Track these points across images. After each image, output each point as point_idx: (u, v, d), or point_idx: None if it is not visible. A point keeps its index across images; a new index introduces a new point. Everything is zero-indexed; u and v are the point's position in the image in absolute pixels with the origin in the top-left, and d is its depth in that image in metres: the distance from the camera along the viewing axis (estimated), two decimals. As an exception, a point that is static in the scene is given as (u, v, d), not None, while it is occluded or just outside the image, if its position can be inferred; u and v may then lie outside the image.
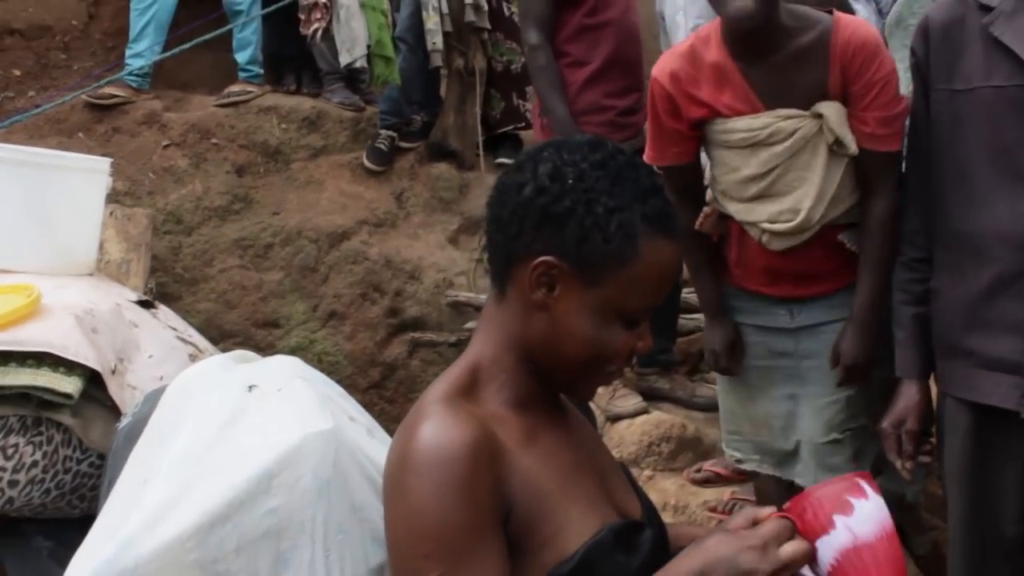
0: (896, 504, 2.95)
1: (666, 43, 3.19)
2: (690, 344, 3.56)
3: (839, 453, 2.23)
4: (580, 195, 1.06)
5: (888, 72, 2.04)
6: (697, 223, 2.25)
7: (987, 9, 1.80)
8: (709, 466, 3.00)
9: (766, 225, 2.13)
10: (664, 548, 1.18)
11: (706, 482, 2.97)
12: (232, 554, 1.35)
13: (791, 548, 0.97)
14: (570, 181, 1.06)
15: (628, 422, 3.14)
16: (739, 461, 2.44)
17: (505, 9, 4.50)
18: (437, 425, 1.03)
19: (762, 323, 2.27)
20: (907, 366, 2.04)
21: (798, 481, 2.31)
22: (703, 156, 2.27)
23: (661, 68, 2.15)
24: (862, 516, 1.00)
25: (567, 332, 1.08)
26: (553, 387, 1.15)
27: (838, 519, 0.99)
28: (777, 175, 2.10)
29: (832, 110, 2.05)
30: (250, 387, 1.60)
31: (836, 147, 2.07)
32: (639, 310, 1.08)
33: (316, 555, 1.41)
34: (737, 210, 2.19)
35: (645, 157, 2.23)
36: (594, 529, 1.06)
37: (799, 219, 2.09)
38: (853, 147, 2.05)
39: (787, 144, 2.07)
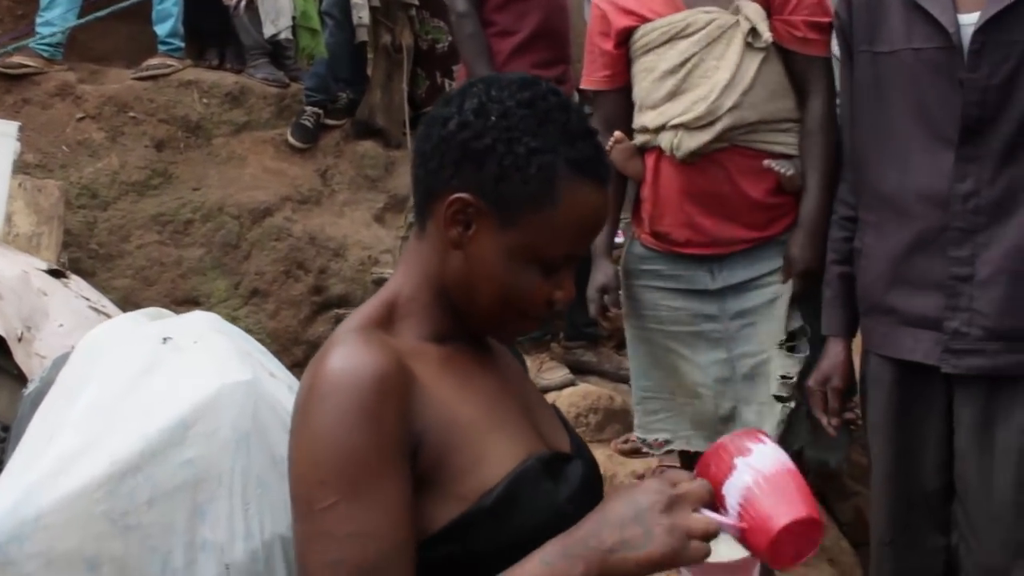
0: (820, 472, 3.01)
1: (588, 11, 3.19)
2: (617, 318, 3.56)
3: (775, 416, 2.19)
4: (502, 133, 1.02)
5: None
6: (606, 147, 2.23)
7: None
8: (636, 437, 3.00)
9: (677, 120, 2.13)
10: (596, 480, 1.16)
11: (633, 452, 2.97)
12: (144, 506, 1.29)
13: (688, 483, 0.95)
14: (493, 118, 1.02)
15: (555, 394, 3.14)
16: (665, 443, 2.38)
17: (432, -14, 4.45)
18: (347, 351, 0.99)
19: (683, 286, 2.26)
20: (833, 324, 2.07)
21: None
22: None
23: None
24: (761, 455, 0.99)
25: (480, 272, 1.05)
26: (470, 327, 1.11)
27: (738, 460, 0.99)
28: (692, 66, 2.13)
29: (750, 5, 2.11)
30: (164, 339, 1.53)
31: (752, 38, 2.10)
32: (557, 257, 1.05)
33: (235, 508, 1.35)
34: (651, 118, 2.18)
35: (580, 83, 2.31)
36: (519, 459, 1.03)
37: (709, 103, 2.09)
38: (767, 35, 2.09)
39: (703, 32, 2.11)
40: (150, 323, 1.66)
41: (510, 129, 1.02)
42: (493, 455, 1.02)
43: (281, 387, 1.55)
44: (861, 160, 1.96)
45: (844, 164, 2.04)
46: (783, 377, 2.18)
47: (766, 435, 1.03)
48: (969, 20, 1.75)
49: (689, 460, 2.41)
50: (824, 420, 2.06)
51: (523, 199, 1.02)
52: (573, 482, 1.07)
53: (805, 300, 2.16)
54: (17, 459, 1.46)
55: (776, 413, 2.19)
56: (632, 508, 0.92)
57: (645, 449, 2.47)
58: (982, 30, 1.73)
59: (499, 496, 0.99)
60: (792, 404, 2.18)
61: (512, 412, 1.10)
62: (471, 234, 1.04)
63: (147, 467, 1.30)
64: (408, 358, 1.03)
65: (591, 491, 1.11)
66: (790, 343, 2.19)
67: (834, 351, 2.05)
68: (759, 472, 0.97)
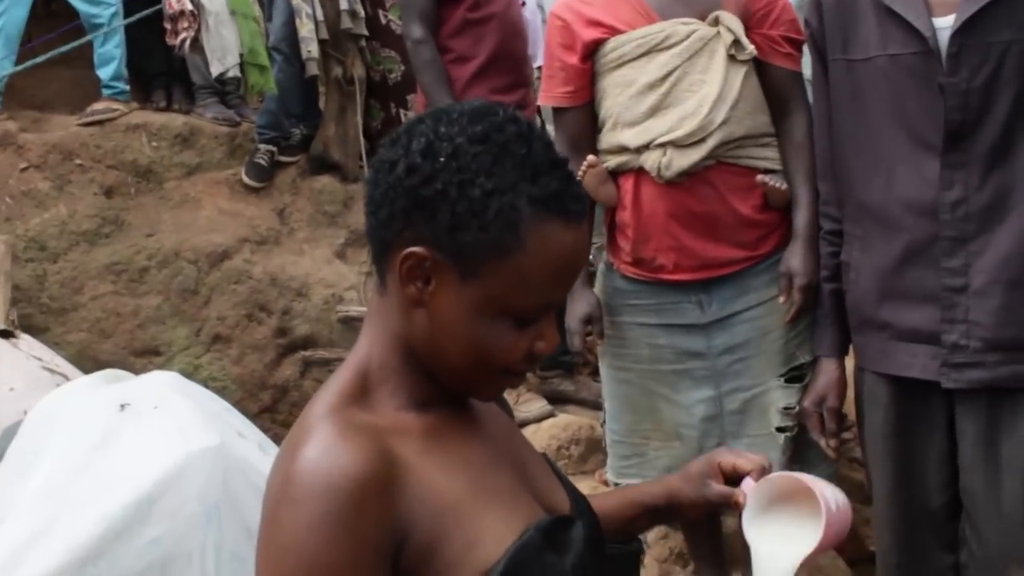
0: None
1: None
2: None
3: (775, 448, 2.11)
4: (453, 175, 0.90)
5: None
6: (579, 173, 2.12)
7: None
8: (607, 478, 2.91)
9: (664, 138, 2.03)
10: (598, 539, 1.07)
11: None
12: (108, 595, 1.18)
13: None
14: (442, 159, 0.91)
15: (535, 427, 3.06)
16: None
17: (382, 17, 4.38)
18: (320, 448, 0.88)
19: (668, 320, 2.15)
20: (825, 344, 2.02)
21: None
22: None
23: (556, 1, 2.14)
24: None
25: (445, 332, 0.94)
26: (448, 389, 1.00)
27: None
28: (675, 79, 2.04)
29: (730, 17, 2.04)
30: (122, 406, 1.43)
31: (735, 50, 2.03)
32: (530, 307, 0.94)
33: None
34: (632, 136, 2.08)
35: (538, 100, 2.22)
36: (517, 532, 0.93)
37: (699, 118, 2.01)
38: (751, 47, 2.03)
39: (684, 44, 2.03)
40: (107, 387, 1.55)
41: (462, 170, 0.90)
42: (488, 534, 0.92)
43: (251, 448, 1.45)
44: (843, 172, 1.90)
45: (823, 177, 1.98)
46: (785, 408, 2.10)
47: None
48: (944, 24, 1.71)
49: None
50: (823, 442, 2.00)
51: (483, 248, 0.91)
52: (577, 547, 0.99)
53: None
54: (-35, 548, 1.34)
55: (777, 445, 2.11)
56: None
57: (605, 489, 2.37)
58: (959, 33, 1.68)
59: (501, 573, 0.90)
60: (794, 433, 2.10)
61: (505, 480, 1.00)
62: (431, 290, 0.93)
63: (109, 551, 1.19)
64: (389, 437, 0.92)
65: (594, 552, 1.03)
66: (794, 373, 2.11)
67: (828, 370, 2.00)
68: None
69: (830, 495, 1.08)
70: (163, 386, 1.52)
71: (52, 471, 1.31)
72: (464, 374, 0.97)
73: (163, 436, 1.34)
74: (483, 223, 0.90)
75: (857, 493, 2.68)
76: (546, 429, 3.06)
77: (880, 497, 1.93)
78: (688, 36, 2.03)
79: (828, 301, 1.99)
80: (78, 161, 4.02)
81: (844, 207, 1.92)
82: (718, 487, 1.15)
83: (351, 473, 0.86)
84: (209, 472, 1.29)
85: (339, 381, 0.98)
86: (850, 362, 2.02)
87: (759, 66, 2.09)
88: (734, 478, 1.15)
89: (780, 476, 1.12)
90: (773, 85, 2.10)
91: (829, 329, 2.00)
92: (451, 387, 1.00)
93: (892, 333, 1.83)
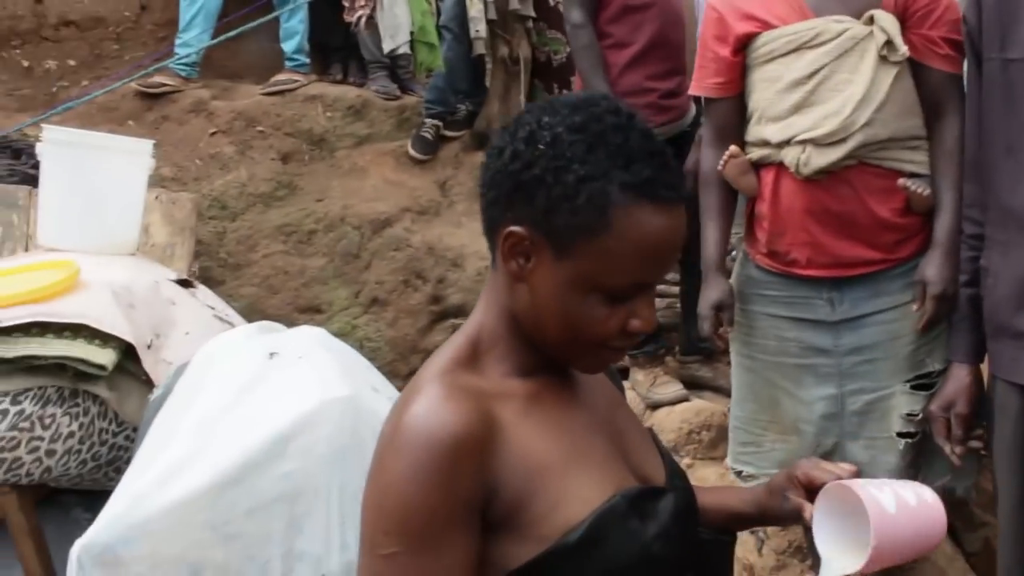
0: (947, 500, 2.85)
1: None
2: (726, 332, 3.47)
3: (894, 452, 2.09)
4: (550, 161, 0.98)
5: None
6: (720, 163, 2.17)
7: None
8: (727, 464, 2.92)
9: (805, 135, 2.02)
10: (689, 513, 1.12)
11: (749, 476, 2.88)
12: (243, 516, 1.33)
13: None
14: (542, 146, 0.99)
15: (668, 410, 3.08)
16: (749, 477, 2.28)
17: (550, -1, 4.46)
18: (427, 405, 0.98)
19: (799, 315, 2.15)
20: (958, 348, 1.98)
21: None
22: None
23: None
24: None
25: (543, 305, 1.02)
26: (552, 358, 1.08)
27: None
28: (822, 77, 2.01)
29: (885, 16, 1.98)
30: (271, 354, 1.59)
31: (887, 51, 1.98)
32: (620, 286, 1.00)
33: (331, 521, 1.39)
34: (774, 132, 2.08)
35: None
36: (605, 496, 1.00)
37: (841, 118, 1.98)
38: (904, 49, 1.97)
39: (834, 43, 2.00)
40: (260, 336, 1.72)
41: (558, 157, 0.98)
42: (576, 495, 0.99)
43: (382, 401, 1.58)
44: (989, 175, 1.85)
45: (968, 180, 1.93)
46: (908, 415, 2.07)
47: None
48: (1108, 23, 1.63)
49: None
50: (947, 448, 1.96)
51: (574, 229, 0.98)
52: (663, 519, 1.04)
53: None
54: (134, 465, 1.54)
55: (895, 450, 2.08)
56: None
57: (733, 478, 2.38)
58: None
59: (583, 535, 0.97)
60: (916, 439, 2.07)
61: (599, 447, 1.07)
62: (530, 267, 1.01)
63: (247, 479, 1.34)
64: (492, 400, 1.01)
65: (682, 526, 1.07)
66: (922, 381, 2.07)
67: (959, 375, 1.95)
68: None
69: (888, 500, 1.06)
70: (309, 339, 1.68)
71: (207, 406, 1.48)
72: (562, 345, 1.04)
73: (303, 383, 1.49)
74: (575, 207, 0.98)
75: (992, 506, 2.59)
76: (679, 413, 3.08)
77: (1005, 512, 1.88)
78: (839, 35, 2.00)
79: (965, 306, 1.94)
80: (259, 128, 4.32)
81: (987, 211, 1.86)
82: (794, 500, 1.17)
83: (451, 430, 0.95)
84: (339, 419, 1.42)
85: (452, 346, 1.08)
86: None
87: (915, 67, 2.02)
88: (816, 489, 1.15)
89: (838, 486, 1.11)
90: (928, 87, 2.03)
91: (964, 334, 1.95)
92: (552, 357, 1.07)
93: (1027, 342, 1.78)
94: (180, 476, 1.33)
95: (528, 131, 1.01)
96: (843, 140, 2.00)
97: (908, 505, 1.08)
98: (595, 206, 0.97)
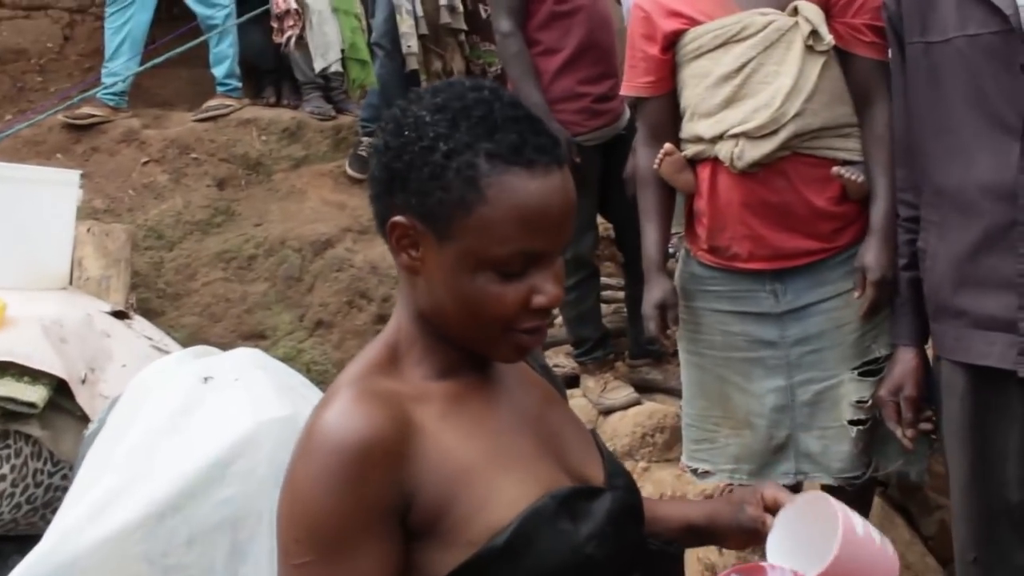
0: (901, 484, 2.87)
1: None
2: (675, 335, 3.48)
3: (846, 440, 2.09)
4: (415, 144, 0.97)
5: None
6: (655, 162, 2.17)
7: None
8: (682, 462, 2.91)
9: (737, 129, 2.02)
10: (629, 514, 1.09)
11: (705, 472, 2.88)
12: (183, 546, 1.28)
13: None
14: (407, 132, 0.98)
15: (620, 414, 3.07)
16: (704, 474, 2.28)
17: (481, 11, 4.46)
18: (338, 411, 0.95)
19: (743, 308, 2.15)
20: (902, 331, 1.98)
21: (781, 483, 2.18)
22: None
23: None
24: None
25: (440, 293, 1.00)
26: (470, 352, 1.05)
27: None
28: (750, 71, 2.02)
29: (809, 6, 1.99)
30: (206, 378, 1.54)
31: (813, 41, 1.99)
32: (507, 257, 0.97)
33: (275, 546, 1.34)
34: (707, 127, 2.08)
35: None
36: (532, 497, 0.97)
37: (772, 110, 1.99)
38: (829, 38, 1.98)
39: (760, 35, 2.00)
40: (194, 361, 1.67)
41: (422, 138, 0.97)
42: (501, 497, 0.97)
43: (325, 420, 1.54)
44: (920, 157, 1.86)
45: (900, 163, 1.94)
46: (858, 402, 2.07)
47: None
48: (1027, 1, 1.66)
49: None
50: (899, 432, 1.96)
51: (449, 207, 0.96)
52: (597, 519, 1.01)
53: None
54: (66, 501, 1.47)
55: (847, 438, 2.08)
56: None
57: (689, 476, 2.37)
58: (1042, 10, 1.63)
59: (509, 537, 0.94)
60: (867, 426, 2.07)
61: (527, 447, 1.04)
62: (420, 256, 1.00)
63: (186, 507, 1.29)
64: (411, 403, 0.99)
65: (619, 526, 1.04)
66: (869, 367, 2.07)
67: (905, 358, 1.96)
68: None
69: (859, 523, 1.04)
70: (244, 361, 1.63)
71: (140, 435, 1.43)
72: (470, 334, 1.02)
73: (239, 405, 1.44)
74: (445, 184, 0.96)
75: (947, 489, 2.61)
76: (631, 417, 3.07)
77: (956, 490, 1.88)
78: (765, 27, 2.00)
79: (905, 289, 1.95)
80: (193, 155, 4.25)
81: (921, 193, 1.88)
82: (751, 511, 1.15)
83: (360, 435, 0.92)
84: (279, 439, 1.38)
85: (370, 352, 1.06)
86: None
87: (842, 56, 2.04)
88: (777, 511, 1.13)
89: (813, 496, 1.08)
90: (855, 75, 2.04)
91: (906, 317, 1.96)
92: (467, 348, 1.05)
93: (969, 321, 1.78)
94: (112, 508, 1.28)
95: (395, 122, 1.01)
96: (775, 132, 2.00)
97: (872, 539, 1.05)
98: (464, 179, 0.96)
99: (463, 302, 0.99)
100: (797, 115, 2.00)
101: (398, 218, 0.99)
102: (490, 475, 0.98)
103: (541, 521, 0.96)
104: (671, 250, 2.65)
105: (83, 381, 2.36)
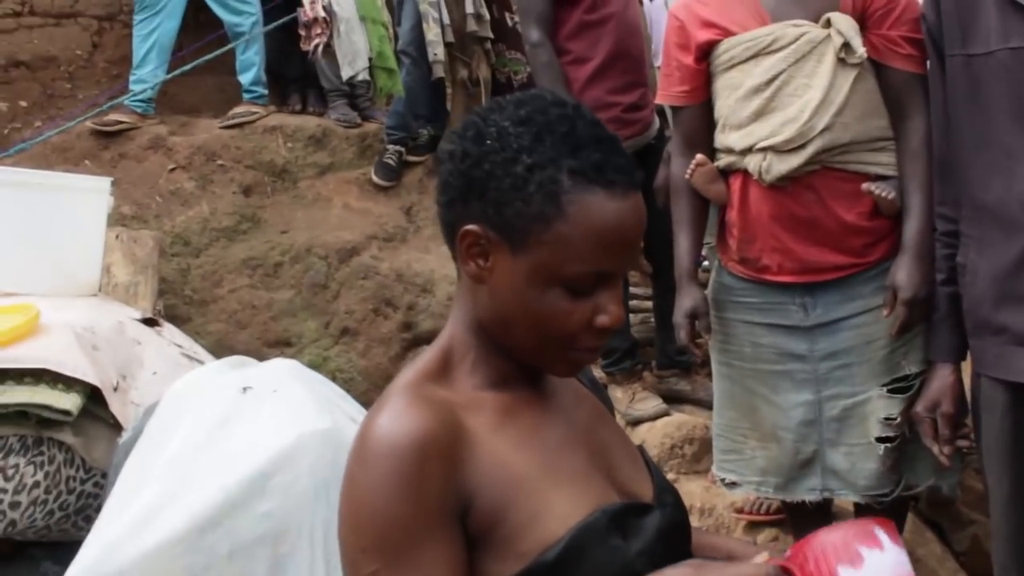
0: (933, 499, 2.84)
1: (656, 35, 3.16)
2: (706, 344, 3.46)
3: (873, 458, 2.07)
4: (498, 155, 0.97)
5: None
6: (687, 172, 2.16)
7: None
8: (712, 472, 2.89)
9: (765, 143, 2.01)
10: (677, 531, 1.08)
11: (733, 483, 2.86)
12: (225, 560, 1.28)
13: None
14: (488, 142, 0.98)
15: (649, 425, 3.06)
16: (732, 484, 2.27)
17: (508, 20, 4.45)
18: (392, 415, 0.95)
19: (773, 321, 2.13)
20: (940, 348, 1.96)
21: (808, 499, 2.16)
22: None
23: (676, 1, 2.15)
24: (873, 570, 0.83)
25: (505, 304, 1.00)
26: (525, 366, 1.05)
27: (844, 572, 0.83)
28: (780, 83, 2.01)
29: (842, 18, 1.98)
30: (244, 389, 1.54)
31: (845, 53, 1.97)
32: (580, 275, 0.97)
33: (316, 559, 1.34)
34: (737, 139, 2.07)
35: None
36: (584, 512, 0.97)
37: (799, 124, 1.97)
38: (861, 50, 1.97)
39: (792, 48, 1.99)
40: (232, 371, 1.67)
41: (505, 149, 0.97)
42: (554, 510, 0.96)
43: (361, 432, 1.54)
44: (961, 171, 1.84)
45: (939, 178, 1.92)
46: (886, 419, 2.05)
47: (888, 531, 0.87)
48: (1071, 14, 1.64)
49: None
50: (935, 449, 1.94)
51: (527, 220, 0.96)
52: (647, 536, 1.00)
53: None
54: (105, 511, 1.47)
55: (875, 456, 2.06)
56: None
57: (718, 487, 2.35)
58: (1086, 24, 1.61)
59: (561, 552, 0.94)
60: (895, 443, 2.05)
61: (579, 462, 1.03)
62: (489, 266, 0.99)
63: (227, 520, 1.29)
64: (463, 411, 0.98)
65: (668, 543, 1.03)
66: (899, 384, 2.05)
67: (942, 375, 1.94)
68: None
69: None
70: (282, 372, 1.62)
71: (180, 447, 1.42)
72: (530, 348, 1.02)
73: (279, 418, 1.43)
74: (526, 196, 0.96)
75: (979, 503, 2.58)
76: (660, 428, 3.06)
77: (996, 509, 1.86)
78: (797, 39, 1.99)
79: (944, 304, 1.93)
80: (220, 162, 4.26)
81: (960, 208, 1.86)
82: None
83: (414, 435, 0.92)
84: (320, 452, 1.37)
85: (422, 360, 1.05)
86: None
87: (877, 68, 2.02)
88: None
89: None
90: (891, 88, 2.02)
91: (944, 333, 1.94)
92: (524, 363, 1.04)
93: (1009, 337, 1.76)
94: (155, 521, 1.27)
95: (476, 130, 1.00)
96: (802, 146, 1.99)
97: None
98: (546, 193, 0.96)
99: (530, 315, 0.99)
100: (826, 129, 1.98)
101: (471, 226, 0.98)
102: (543, 488, 0.97)
103: (593, 536, 0.95)
104: (704, 262, 2.64)
105: (115, 388, 2.36)
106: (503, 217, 0.97)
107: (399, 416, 0.95)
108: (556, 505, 0.97)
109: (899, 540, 0.89)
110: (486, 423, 0.99)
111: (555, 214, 0.96)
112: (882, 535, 0.86)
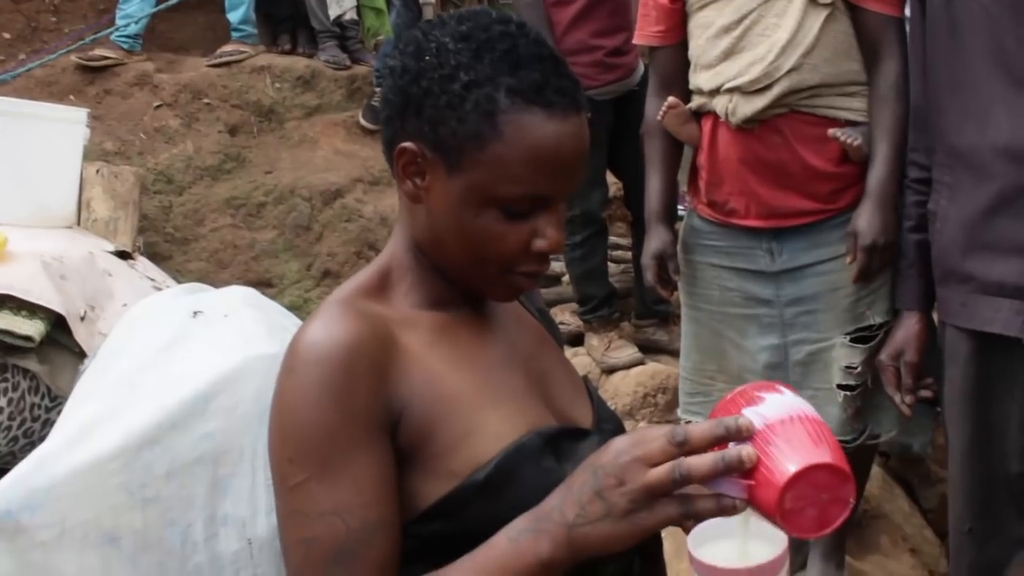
0: (904, 456, 2.84)
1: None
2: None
3: (834, 404, 2.06)
4: (435, 71, 0.94)
5: None
6: (659, 113, 2.14)
7: None
8: (678, 415, 2.89)
9: (732, 83, 1.98)
10: None
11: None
12: (162, 478, 1.26)
13: (652, 437, 0.82)
14: (427, 58, 0.94)
15: (623, 374, 3.05)
16: None
17: (501, -38, 4.39)
18: (322, 325, 0.93)
19: (740, 265, 2.12)
20: (906, 296, 1.94)
21: None
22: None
23: None
24: (774, 404, 0.84)
25: (440, 224, 0.97)
26: (462, 287, 1.03)
27: (747, 410, 0.83)
28: (750, 23, 1.97)
29: None
30: (195, 313, 1.51)
31: None
32: (515, 197, 0.94)
33: (257, 483, 1.32)
34: (706, 80, 2.04)
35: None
36: (518, 433, 0.95)
37: (766, 64, 1.94)
38: None
39: None
40: (186, 296, 1.65)
41: (443, 66, 0.94)
42: (487, 429, 0.94)
43: (314, 361, 1.52)
44: (935, 115, 1.81)
45: (913, 124, 1.88)
46: (847, 367, 2.03)
47: (787, 387, 0.88)
48: (1054, -45, 1.60)
49: None
50: (897, 398, 1.92)
51: (463, 139, 0.93)
52: (582, 460, 0.99)
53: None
54: (52, 432, 1.46)
55: (837, 403, 2.05)
56: (591, 476, 0.83)
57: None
58: (1068, -35, 1.57)
59: (492, 472, 0.92)
60: (856, 392, 2.04)
61: (515, 384, 1.02)
62: (425, 185, 0.97)
63: (165, 439, 1.27)
64: (397, 327, 0.97)
65: None
66: (862, 334, 2.03)
67: (908, 323, 1.91)
68: (767, 419, 0.82)
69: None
70: (236, 298, 1.59)
71: (125, 367, 1.41)
72: (466, 269, 1.00)
73: (227, 341, 1.41)
74: (462, 115, 0.93)
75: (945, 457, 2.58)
76: (634, 376, 3.05)
77: (955, 459, 1.84)
78: None
79: (912, 252, 1.90)
80: (206, 100, 4.22)
81: (933, 155, 1.83)
82: None
83: (341, 343, 0.90)
84: (266, 376, 1.33)
85: (359, 277, 1.03)
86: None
87: (852, 10, 1.97)
88: None
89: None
90: (865, 30, 1.97)
91: (912, 281, 1.91)
92: (461, 285, 1.03)
93: (976, 286, 1.74)
94: (91, 437, 1.26)
95: (416, 45, 0.97)
96: (768, 87, 1.96)
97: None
98: (482, 112, 0.93)
99: (464, 237, 0.97)
100: (793, 70, 1.94)
101: (407, 144, 0.96)
102: (476, 407, 0.95)
103: (525, 457, 0.94)
104: (680, 208, 2.61)
105: (82, 318, 2.35)
106: (439, 135, 0.94)
107: (329, 326, 0.93)
108: (489, 424, 0.95)
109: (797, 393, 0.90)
110: (421, 340, 0.98)
111: (491, 134, 0.93)
112: (784, 388, 0.87)
